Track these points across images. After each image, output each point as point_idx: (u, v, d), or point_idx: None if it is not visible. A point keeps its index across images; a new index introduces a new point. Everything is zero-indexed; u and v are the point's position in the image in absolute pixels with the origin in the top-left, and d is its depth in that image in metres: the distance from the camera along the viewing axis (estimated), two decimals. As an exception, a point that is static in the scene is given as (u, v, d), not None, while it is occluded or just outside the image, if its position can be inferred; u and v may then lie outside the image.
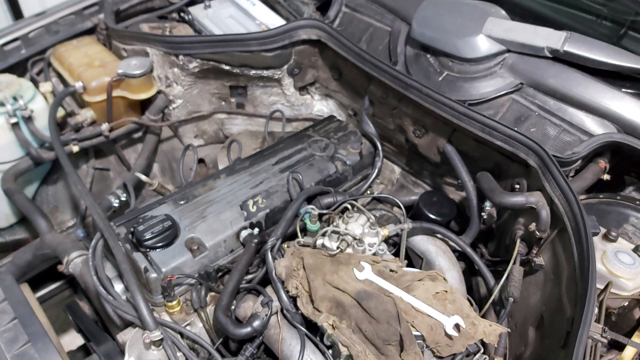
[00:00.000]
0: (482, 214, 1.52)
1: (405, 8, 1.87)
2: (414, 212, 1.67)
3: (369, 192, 1.78)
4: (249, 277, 1.46)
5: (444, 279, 1.33)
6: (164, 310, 1.38)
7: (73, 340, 2.16)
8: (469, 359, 1.18)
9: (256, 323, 1.24)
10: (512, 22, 1.63)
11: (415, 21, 1.75)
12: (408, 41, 1.81)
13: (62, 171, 2.05)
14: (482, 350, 1.19)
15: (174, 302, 1.35)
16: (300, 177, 1.60)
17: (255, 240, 1.42)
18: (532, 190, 1.39)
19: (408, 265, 1.45)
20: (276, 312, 1.31)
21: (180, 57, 1.92)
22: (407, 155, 1.86)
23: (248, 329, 1.23)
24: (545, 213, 1.31)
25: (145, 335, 1.21)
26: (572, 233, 1.23)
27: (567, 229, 1.25)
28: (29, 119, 1.83)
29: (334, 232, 1.42)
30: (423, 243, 1.53)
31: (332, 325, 1.19)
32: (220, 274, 1.46)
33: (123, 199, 1.78)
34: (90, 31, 2.21)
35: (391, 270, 1.31)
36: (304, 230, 1.49)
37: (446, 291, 1.25)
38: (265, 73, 1.95)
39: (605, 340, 1.09)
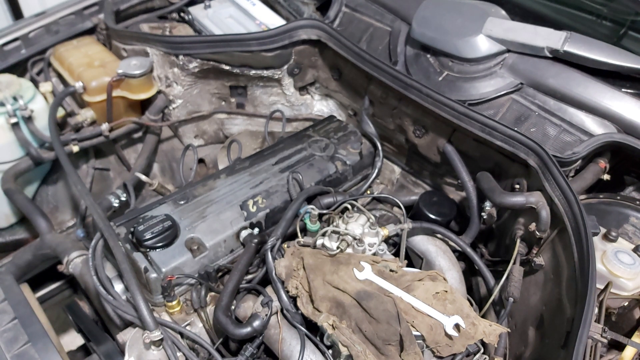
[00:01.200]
0: (482, 214, 1.52)
1: (405, 8, 1.87)
2: (414, 212, 1.67)
3: (369, 192, 1.78)
4: (249, 277, 1.46)
5: (444, 279, 1.33)
6: (164, 310, 1.38)
7: (73, 340, 2.16)
8: (469, 359, 1.18)
9: (256, 323, 1.24)
10: (512, 22, 1.63)
11: (415, 21, 1.75)
12: (408, 41, 1.81)
13: (62, 171, 2.05)
14: (482, 350, 1.18)
15: (174, 302, 1.35)
16: (300, 177, 1.60)
17: (255, 240, 1.42)
18: (532, 190, 1.39)
19: (408, 265, 1.45)
20: (276, 312, 1.31)
21: (180, 57, 1.92)
22: (407, 155, 1.86)
23: (248, 329, 1.23)
24: (545, 213, 1.31)
25: (145, 335, 1.21)
26: (572, 233, 1.23)
27: (567, 229, 1.25)
28: (29, 119, 1.83)
29: (334, 232, 1.41)
30: (423, 243, 1.53)
31: (332, 325, 1.19)
32: (220, 274, 1.46)
33: (123, 199, 1.78)
34: (90, 31, 2.21)
35: (391, 270, 1.31)
36: (304, 230, 1.49)
37: (446, 291, 1.25)
38: (265, 73, 1.95)
39: (605, 340, 1.09)
